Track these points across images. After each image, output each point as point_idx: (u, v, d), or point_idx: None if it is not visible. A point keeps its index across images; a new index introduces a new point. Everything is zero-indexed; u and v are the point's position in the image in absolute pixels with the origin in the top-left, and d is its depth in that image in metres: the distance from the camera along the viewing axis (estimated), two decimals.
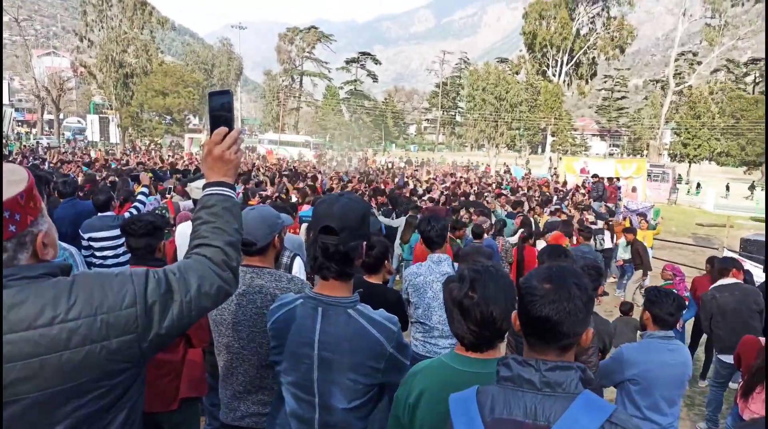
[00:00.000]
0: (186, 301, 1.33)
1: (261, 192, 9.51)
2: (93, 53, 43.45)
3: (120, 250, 4.77)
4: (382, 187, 13.75)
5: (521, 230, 8.14)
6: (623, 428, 1.21)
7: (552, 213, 10.99)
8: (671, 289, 3.38)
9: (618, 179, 19.63)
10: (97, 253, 4.73)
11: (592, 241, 8.41)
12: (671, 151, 42.30)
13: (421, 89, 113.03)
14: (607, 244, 10.02)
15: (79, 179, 11.55)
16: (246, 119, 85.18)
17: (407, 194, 12.68)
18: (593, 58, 50.87)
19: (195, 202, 5.05)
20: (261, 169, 17.26)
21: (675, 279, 6.26)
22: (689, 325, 6.57)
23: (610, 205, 14.76)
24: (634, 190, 20.00)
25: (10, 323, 1.13)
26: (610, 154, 63.20)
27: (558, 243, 5.88)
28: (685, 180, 39.81)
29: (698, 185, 34.70)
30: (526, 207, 11.70)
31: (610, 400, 1.37)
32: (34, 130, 53.97)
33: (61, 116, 52.31)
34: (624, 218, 12.42)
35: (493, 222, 8.64)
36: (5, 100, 48.95)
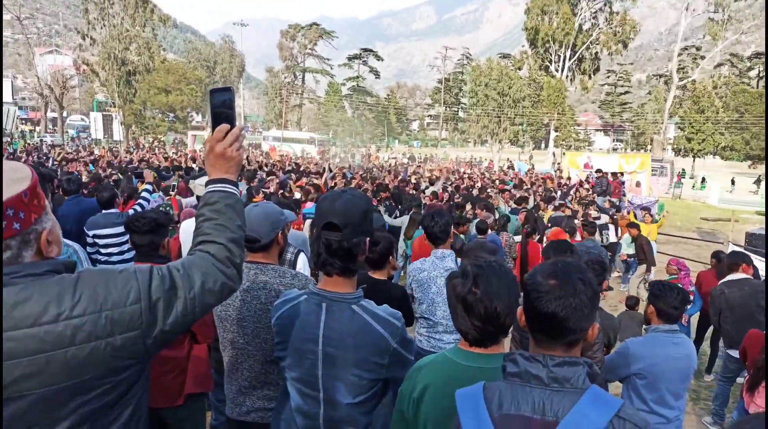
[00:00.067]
0: (190, 297, 1.33)
1: (264, 189, 9.51)
2: (95, 51, 43.50)
3: (125, 247, 4.78)
4: (386, 182, 13.75)
5: (525, 225, 8.14)
6: (632, 422, 1.21)
7: (556, 208, 10.98)
8: (676, 283, 3.36)
9: (622, 174, 19.56)
10: (102, 251, 4.75)
11: (597, 236, 8.40)
12: (675, 146, 42.19)
13: (423, 85, 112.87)
14: (612, 239, 10.01)
15: (83, 176, 11.59)
16: (249, 116, 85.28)
17: (411, 190, 12.66)
18: (596, 53, 50.75)
19: (199, 199, 5.06)
20: (264, 166, 17.26)
21: (680, 273, 6.26)
22: (694, 320, 6.56)
23: (613, 199, 14.73)
24: (638, 184, 19.94)
25: (15, 320, 1.14)
26: (614, 149, 62.97)
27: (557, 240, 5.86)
28: (690, 174, 39.66)
29: (703, 180, 34.57)
30: (531, 202, 11.68)
31: (615, 395, 1.37)
32: (37, 128, 54.12)
33: (65, 114, 52.39)
34: (628, 212, 12.39)
35: (496, 217, 8.63)
36: (9, 98, 49.03)
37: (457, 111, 72.25)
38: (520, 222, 8.85)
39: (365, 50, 75.62)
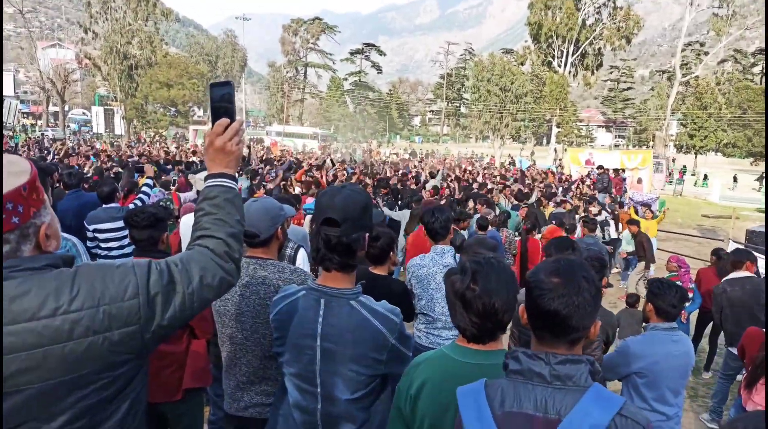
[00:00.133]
0: (188, 292, 1.33)
1: (264, 183, 9.51)
2: (97, 45, 43.52)
3: (125, 242, 4.78)
4: (388, 176, 13.72)
5: (524, 223, 8.14)
6: (634, 420, 1.21)
7: (557, 204, 10.96)
8: (674, 281, 3.36)
9: (623, 170, 19.52)
10: (102, 245, 4.75)
11: (598, 232, 8.38)
12: (677, 143, 42.12)
13: (425, 80, 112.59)
14: (613, 235, 10.00)
15: (86, 169, 11.60)
16: (251, 111, 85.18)
17: (412, 184, 12.64)
18: (599, 48, 50.59)
19: (198, 193, 5.05)
20: (262, 160, 17.21)
21: (680, 271, 6.24)
22: (693, 317, 6.56)
23: (614, 196, 14.71)
24: (639, 181, 19.89)
25: (13, 314, 1.14)
26: (616, 146, 62.78)
27: (552, 237, 5.87)
28: (692, 171, 39.59)
29: (705, 177, 34.50)
30: (533, 198, 11.65)
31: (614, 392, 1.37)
32: (39, 122, 54.11)
33: (66, 108, 52.42)
34: (629, 208, 12.37)
35: (496, 214, 8.63)
36: (10, 92, 49.01)
37: (459, 106, 72.09)
38: (521, 218, 8.85)
39: (368, 45, 75.45)
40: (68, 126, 49.31)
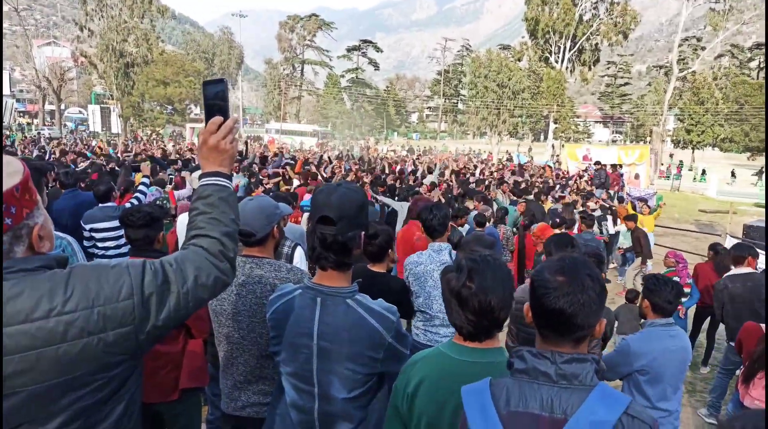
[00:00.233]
0: (183, 292, 1.33)
1: (261, 178, 9.52)
2: (93, 43, 43.39)
3: (122, 241, 4.77)
4: (386, 173, 13.71)
5: (522, 218, 8.13)
6: (641, 420, 1.21)
7: (555, 200, 10.96)
8: (669, 277, 3.37)
9: (621, 166, 19.53)
10: (99, 244, 4.74)
11: (596, 228, 8.38)
12: (674, 138, 42.18)
13: (423, 77, 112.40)
14: (611, 231, 10.01)
15: (80, 165, 11.56)
16: (248, 108, 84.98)
17: (411, 181, 12.62)
18: (596, 44, 50.62)
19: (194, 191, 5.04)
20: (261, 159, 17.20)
21: (678, 266, 6.24)
22: (691, 312, 6.58)
23: (611, 191, 14.72)
24: (636, 176, 19.89)
25: (7, 316, 1.13)
26: (613, 141, 62.86)
27: (543, 234, 5.86)
28: (689, 166, 39.65)
29: (704, 172, 34.56)
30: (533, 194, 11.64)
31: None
32: (35, 121, 53.96)
33: (63, 107, 52.28)
34: (626, 203, 12.38)
35: (494, 210, 8.63)
36: (6, 91, 48.85)
37: (457, 103, 72.11)
38: (520, 212, 8.84)
39: (364, 41, 75.34)
40: (65, 125, 49.18)
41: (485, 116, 45.06)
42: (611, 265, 10.27)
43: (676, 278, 5.50)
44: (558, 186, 13.90)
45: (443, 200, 8.95)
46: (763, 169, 33.92)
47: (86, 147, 20.20)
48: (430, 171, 13.71)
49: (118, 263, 1.31)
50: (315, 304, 1.80)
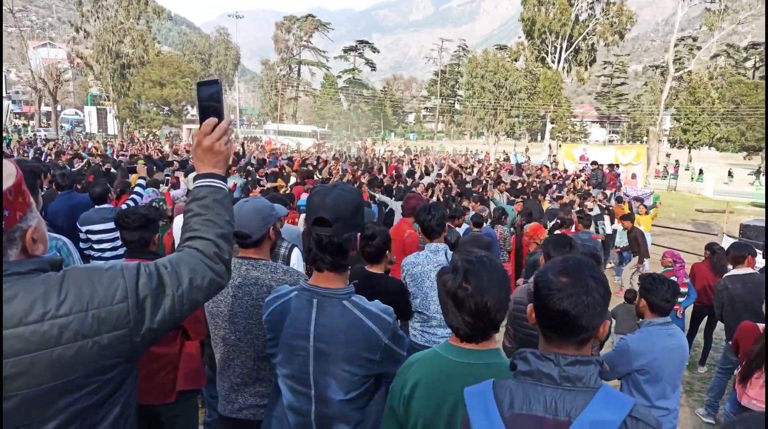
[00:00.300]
0: (178, 295, 1.32)
1: (259, 181, 9.51)
2: (89, 44, 43.25)
3: (118, 243, 4.75)
4: (383, 173, 13.71)
5: (519, 218, 8.13)
6: (645, 422, 1.20)
7: (553, 200, 10.97)
8: (667, 276, 3.37)
9: (617, 166, 19.58)
10: (95, 246, 4.72)
11: (592, 228, 8.39)
12: (671, 137, 42.21)
13: (419, 77, 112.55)
14: (608, 231, 10.02)
15: (77, 165, 11.53)
16: (244, 109, 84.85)
17: (408, 182, 12.61)
18: (592, 44, 50.60)
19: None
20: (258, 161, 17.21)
21: (675, 265, 6.25)
22: (688, 312, 6.59)
23: (607, 191, 14.73)
24: (633, 176, 19.94)
25: None
26: (610, 141, 62.95)
27: (536, 234, 5.88)
28: (686, 166, 39.71)
29: (701, 172, 34.63)
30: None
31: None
32: (31, 123, 53.78)
33: (59, 108, 52.08)
34: (625, 203, 12.39)
35: (491, 210, 8.62)
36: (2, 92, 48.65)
37: (454, 103, 72.11)
38: (517, 212, 8.84)
39: (361, 42, 75.34)
40: (61, 126, 48.99)
41: (482, 116, 45.05)
42: (608, 265, 10.28)
43: (673, 278, 5.50)
44: (555, 186, 13.91)
45: (441, 199, 8.95)
46: (761, 169, 34.05)
47: (83, 149, 20.13)
48: (428, 172, 13.72)
49: (113, 266, 1.30)
50: (311, 306, 1.80)
